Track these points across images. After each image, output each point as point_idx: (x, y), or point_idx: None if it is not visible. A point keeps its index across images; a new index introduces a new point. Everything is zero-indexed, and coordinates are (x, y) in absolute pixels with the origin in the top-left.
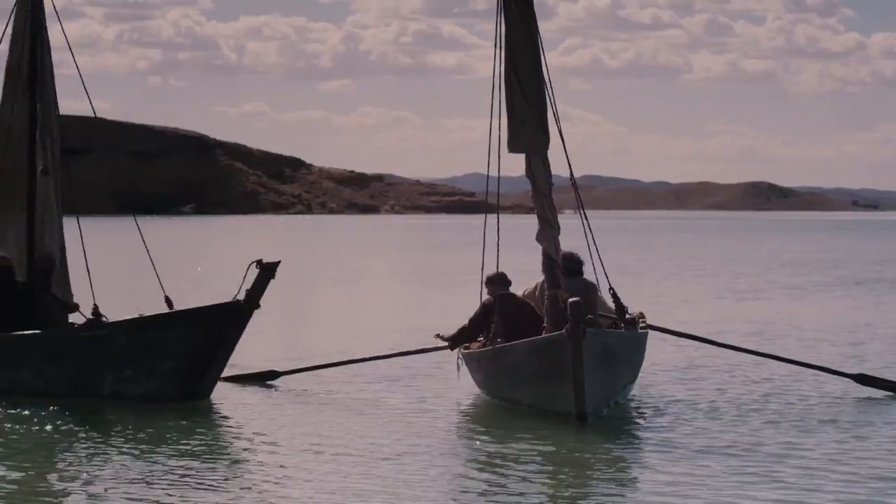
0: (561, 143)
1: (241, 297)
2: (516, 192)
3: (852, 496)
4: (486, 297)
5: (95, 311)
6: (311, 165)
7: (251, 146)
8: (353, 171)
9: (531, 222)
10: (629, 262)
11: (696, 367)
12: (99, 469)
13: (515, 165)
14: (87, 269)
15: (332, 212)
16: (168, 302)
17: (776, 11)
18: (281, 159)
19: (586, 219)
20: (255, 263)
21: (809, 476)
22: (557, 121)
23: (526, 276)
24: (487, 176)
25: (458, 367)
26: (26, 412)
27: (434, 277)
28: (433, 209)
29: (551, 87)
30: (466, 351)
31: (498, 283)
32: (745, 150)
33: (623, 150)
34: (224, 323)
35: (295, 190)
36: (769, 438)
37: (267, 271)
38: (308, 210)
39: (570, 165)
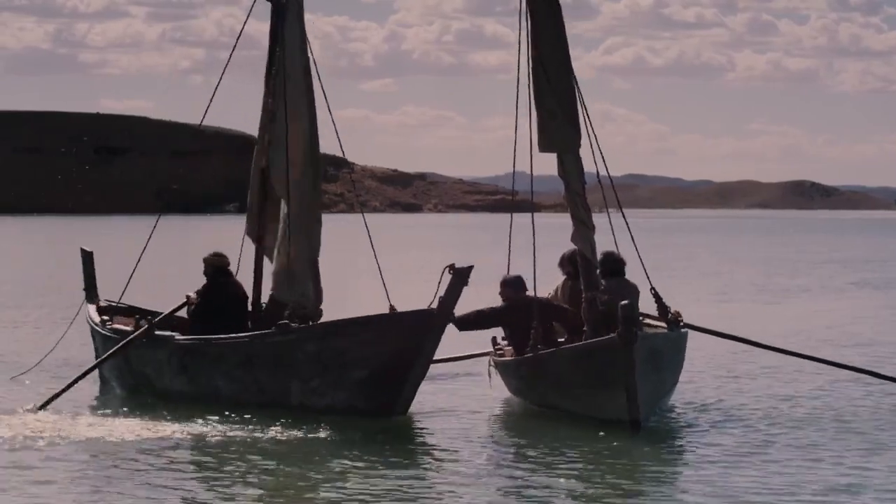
0: (593, 141)
1: (435, 304)
2: (557, 192)
3: None
4: (505, 300)
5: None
6: (353, 164)
7: None
8: (395, 170)
9: (569, 221)
10: (665, 261)
11: (734, 369)
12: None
13: (555, 164)
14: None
15: (374, 210)
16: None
17: (819, 10)
18: (324, 158)
19: (624, 218)
20: (447, 269)
21: (857, 478)
22: (587, 118)
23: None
24: (513, 175)
25: (490, 376)
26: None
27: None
28: (476, 208)
29: (577, 85)
30: (501, 359)
31: (520, 286)
32: (788, 148)
33: (666, 149)
34: (417, 332)
35: (338, 189)
36: (815, 444)
37: (460, 277)
38: (350, 209)
39: (605, 163)
